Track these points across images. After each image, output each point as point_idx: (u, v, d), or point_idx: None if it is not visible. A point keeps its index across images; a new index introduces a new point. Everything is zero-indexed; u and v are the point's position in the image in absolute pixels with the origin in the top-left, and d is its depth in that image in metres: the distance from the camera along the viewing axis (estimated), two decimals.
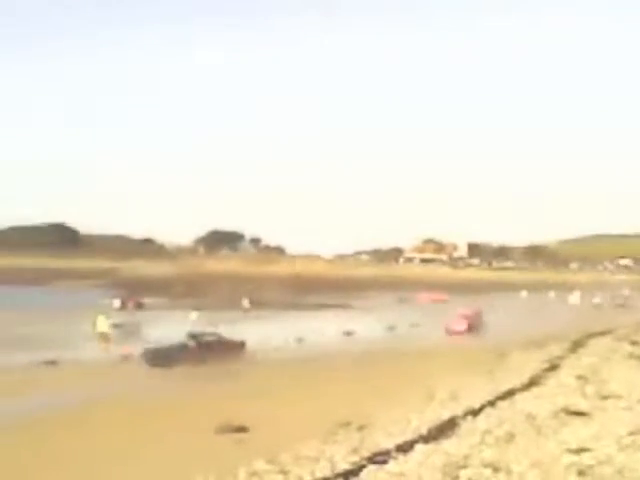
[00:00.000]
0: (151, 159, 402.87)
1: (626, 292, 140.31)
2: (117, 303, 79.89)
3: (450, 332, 56.85)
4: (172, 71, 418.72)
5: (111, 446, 21.02)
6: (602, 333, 50.39)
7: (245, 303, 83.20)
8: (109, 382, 33.54)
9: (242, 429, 22.26)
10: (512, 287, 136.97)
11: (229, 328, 58.84)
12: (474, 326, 58.37)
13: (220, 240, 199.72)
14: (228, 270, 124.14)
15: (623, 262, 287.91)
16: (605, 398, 22.84)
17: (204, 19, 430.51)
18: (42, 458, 20.00)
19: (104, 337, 47.85)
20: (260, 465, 17.43)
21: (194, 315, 52.17)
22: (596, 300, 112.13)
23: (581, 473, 13.97)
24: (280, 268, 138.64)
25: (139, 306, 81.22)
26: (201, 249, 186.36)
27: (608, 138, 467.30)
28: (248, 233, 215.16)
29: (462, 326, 57.58)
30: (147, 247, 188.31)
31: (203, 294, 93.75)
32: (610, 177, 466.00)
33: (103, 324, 48.31)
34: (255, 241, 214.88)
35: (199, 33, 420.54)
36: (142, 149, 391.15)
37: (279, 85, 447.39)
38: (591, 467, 14.27)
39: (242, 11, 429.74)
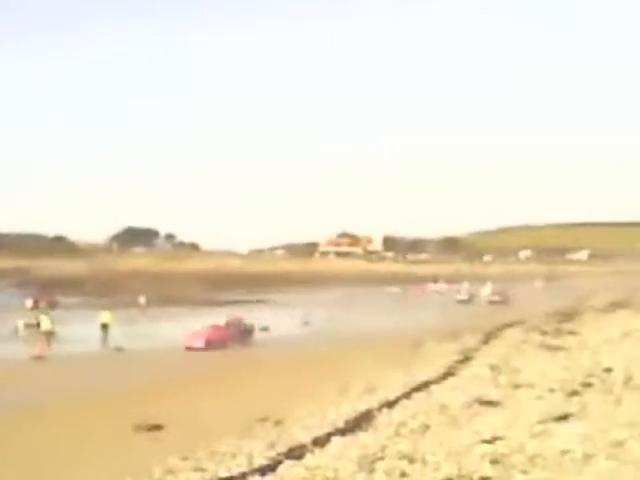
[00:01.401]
0: (63, 156, 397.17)
1: (539, 284, 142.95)
2: (29, 302, 78.36)
3: (188, 347, 46.67)
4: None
5: (32, 446, 20.70)
6: (513, 324, 51.25)
7: (141, 300, 79.84)
8: None
9: (158, 427, 22.12)
10: (425, 279, 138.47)
11: (144, 326, 58.47)
12: (215, 342, 47.18)
13: (134, 237, 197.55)
14: (143, 267, 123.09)
15: (531, 253, 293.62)
16: (517, 387, 23.22)
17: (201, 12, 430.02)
18: None
19: (48, 337, 47.16)
20: (175, 462, 17.36)
21: (105, 314, 50.98)
22: (460, 296, 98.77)
23: (494, 461, 14.18)
24: (195, 264, 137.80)
25: (52, 305, 79.85)
26: (115, 247, 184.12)
27: (517, 133, 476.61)
28: (163, 230, 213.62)
29: (199, 342, 46.94)
30: (59, 245, 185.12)
31: (117, 292, 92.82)
32: (521, 169, 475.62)
33: (47, 323, 47.70)
34: (170, 238, 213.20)
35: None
36: (54, 146, 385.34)
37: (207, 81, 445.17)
38: (504, 455, 14.49)
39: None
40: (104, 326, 50.27)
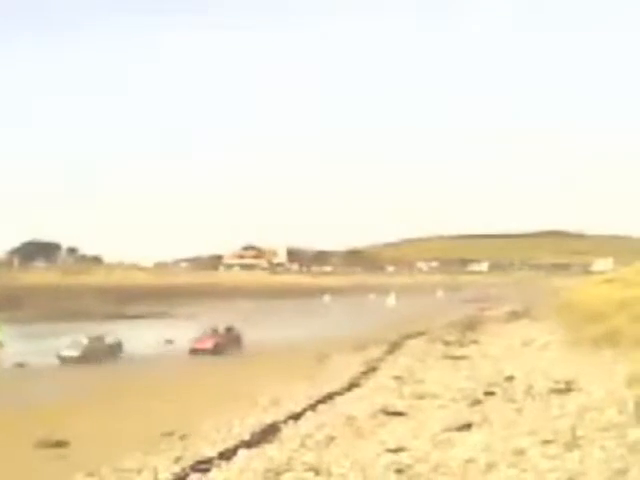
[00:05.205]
0: None
1: (440, 294, 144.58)
2: None
3: None
4: None
5: None
6: (417, 334, 51.82)
7: None
8: None
9: (62, 443, 21.76)
10: (328, 291, 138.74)
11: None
12: None
13: (35, 251, 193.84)
14: (44, 282, 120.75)
15: (434, 264, 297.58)
16: (421, 397, 23.53)
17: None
18: None
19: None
20: (80, 479, 17.15)
21: None
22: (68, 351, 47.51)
23: (399, 471, 14.37)
24: (99, 278, 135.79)
25: None
26: (15, 261, 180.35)
27: (421, 147, 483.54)
28: (64, 243, 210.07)
29: None
30: None
31: (18, 308, 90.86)
32: (421, 182, 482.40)
33: None
34: (72, 251, 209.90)
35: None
36: None
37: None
38: (409, 465, 14.69)
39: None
40: None
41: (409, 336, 50.56)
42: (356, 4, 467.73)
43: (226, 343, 52.14)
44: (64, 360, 45.53)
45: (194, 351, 50.24)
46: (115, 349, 48.90)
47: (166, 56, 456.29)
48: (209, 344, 51.19)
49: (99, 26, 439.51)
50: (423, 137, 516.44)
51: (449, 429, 17.61)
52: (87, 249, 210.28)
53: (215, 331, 54.01)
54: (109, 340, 49.62)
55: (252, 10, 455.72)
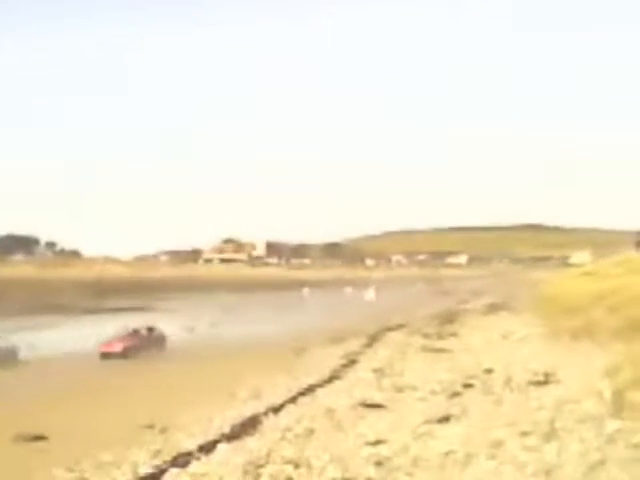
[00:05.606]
0: None
1: (419, 287, 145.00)
2: None
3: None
4: None
5: None
6: (396, 327, 51.85)
7: None
8: None
9: (41, 437, 21.66)
10: (307, 284, 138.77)
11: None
12: None
13: (14, 245, 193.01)
14: (23, 275, 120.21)
15: (412, 257, 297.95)
16: (400, 390, 23.60)
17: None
18: None
19: None
20: (60, 473, 17.09)
21: None
22: None
23: (378, 464, 14.44)
24: (78, 271, 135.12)
25: None
26: None
27: (399, 142, 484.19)
28: (43, 237, 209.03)
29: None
30: None
31: None
32: (399, 177, 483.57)
33: None
34: (50, 245, 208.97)
35: None
36: None
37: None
38: (388, 458, 14.75)
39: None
40: None
41: (388, 329, 50.56)
42: (356, 5, 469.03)
43: (144, 345, 46.51)
44: None
45: (104, 355, 44.50)
46: (7, 356, 42.31)
47: (166, 56, 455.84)
48: (118, 347, 45.30)
49: (99, 26, 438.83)
50: (402, 133, 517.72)
51: (428, 421, 17.69)
52: (66, 243, 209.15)
53: (136, 332, 48.17)
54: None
55: (252, 9, 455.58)
